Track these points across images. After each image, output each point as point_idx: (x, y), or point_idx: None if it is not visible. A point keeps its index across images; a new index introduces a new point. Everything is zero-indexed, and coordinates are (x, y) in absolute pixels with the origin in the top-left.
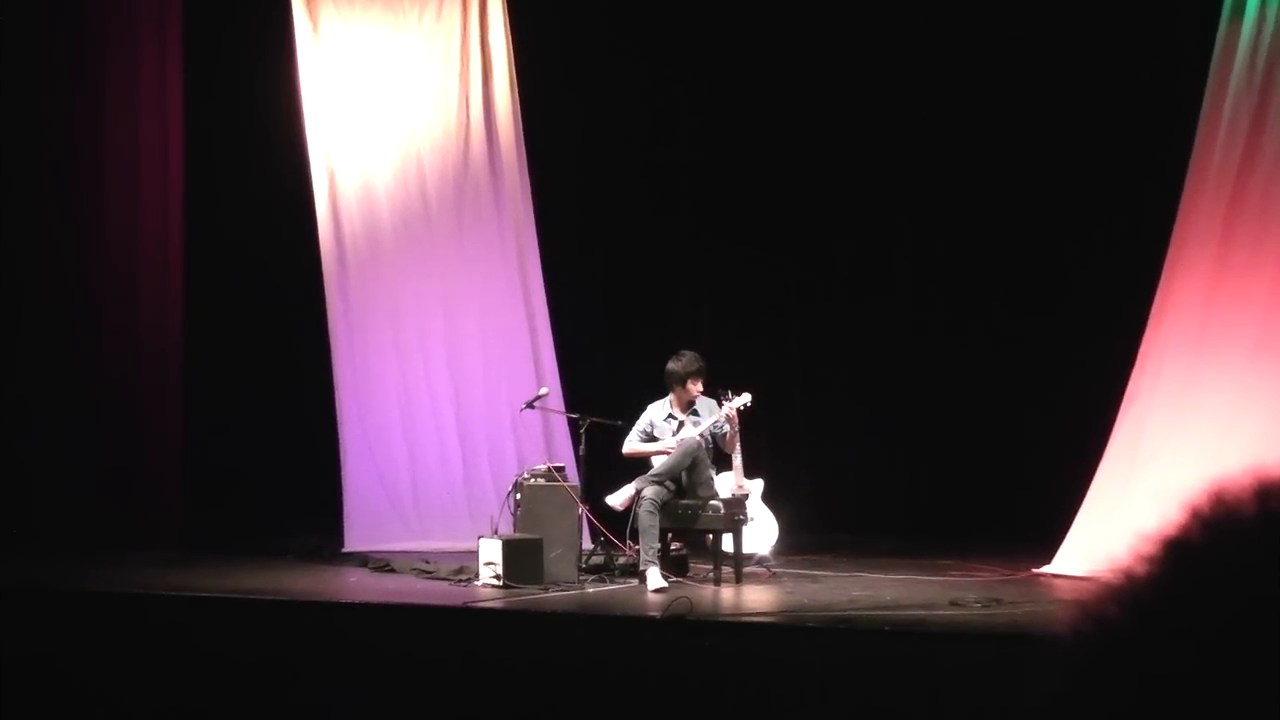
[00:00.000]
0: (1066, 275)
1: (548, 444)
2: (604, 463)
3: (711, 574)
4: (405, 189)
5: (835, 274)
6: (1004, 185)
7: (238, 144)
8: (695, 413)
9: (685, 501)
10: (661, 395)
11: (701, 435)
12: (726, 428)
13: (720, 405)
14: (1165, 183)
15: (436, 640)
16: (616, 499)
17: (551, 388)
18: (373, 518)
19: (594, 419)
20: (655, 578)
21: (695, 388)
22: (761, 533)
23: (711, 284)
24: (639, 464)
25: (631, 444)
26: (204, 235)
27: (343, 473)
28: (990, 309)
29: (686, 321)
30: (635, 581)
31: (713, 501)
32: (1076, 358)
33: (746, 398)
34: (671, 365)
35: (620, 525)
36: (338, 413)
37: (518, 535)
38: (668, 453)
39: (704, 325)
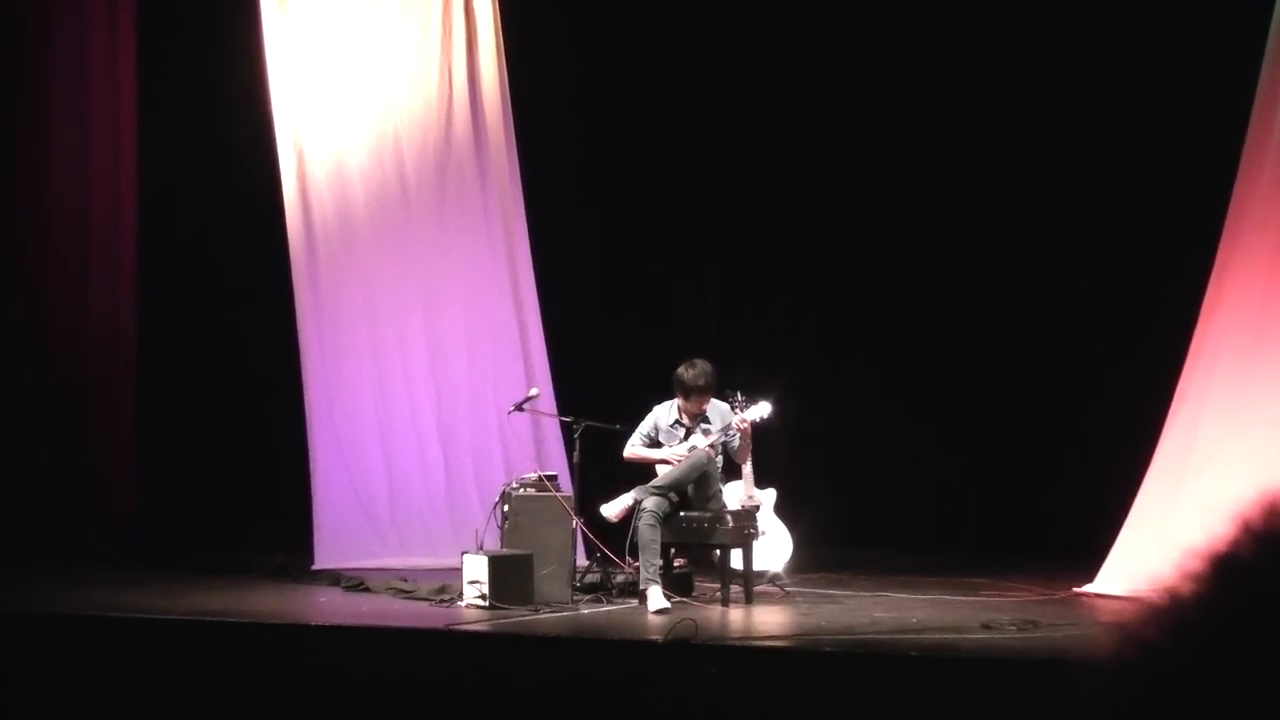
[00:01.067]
0: (1109, 267)
1: (538, 450)
2: (601, 471)
3: (719, 593)
4: (381, 169)
5: (857, 264)
6: (1043, 173)
7: (197, 122)
8: (706, 420)
9: (690, 514)
10: (668, 396)
11: (711, 446)
12: (738, 440)
13: (734, 412)
14: (1217, 165)
15: (416, 666)
16: (612, 510)
17: (542, 388)
18: (345, 532)
19: (590, 422)
20: (657, 597)
21: (701, 405)
22: (774, 548)
23: (720, 272)
24: (639, 471)
25: (634, 448)
26: (159, 221)
27: (312, 482)
28: (1026, 306)
29: (692, 314)
30: (635, 602)
31: (721, 514)
32: (1120, 356)
33: (765, 408)
34: (681, 373)
35: (618, 540)
36: (307, 415)
37: (505, 551)
38: (674, 461)
39: (712, 318)
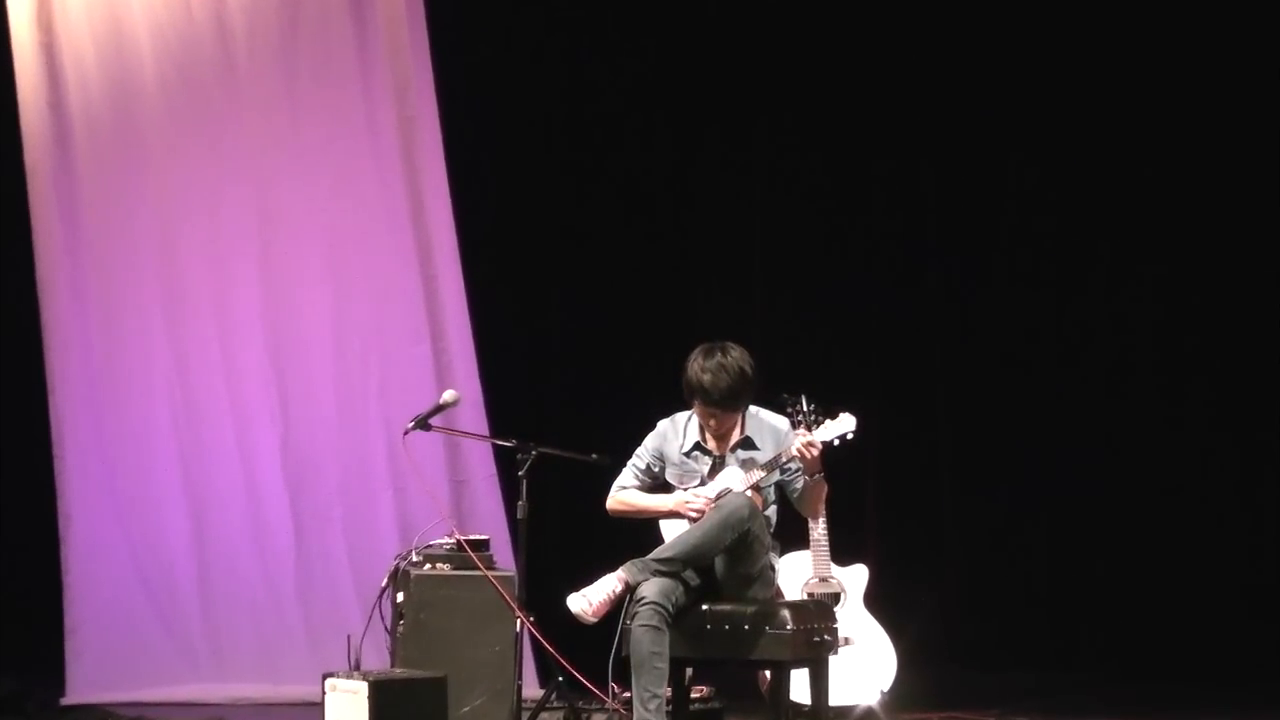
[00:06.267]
0: None
1: (457, 497)
2: (567, 534)
3: None
4: (189, 20)
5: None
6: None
7: None
8: (748, 443)
9: (719, 607)
10: (678, 405)
11: (756, 487)
12: (803, 478)
13: (795, 431)
14: None
15: None
16: (588, 601)
17: (465, 391)
18: (121, 645)
19: (547, 450)
20: None
21: (732, 420)
22: (868, 667)
23: (766, 216)
24: (632, 532)
25: (625, 493)
26: None
27: (63, 560)
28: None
29: (723, 277)
30: None
31: (772, 607)
32: None
33: (849, 424)
34: (695, 370)
35: (596, 652)
36: (54, 448)
37: (399, 672)
38: (691, 515)
39: (756, 281)
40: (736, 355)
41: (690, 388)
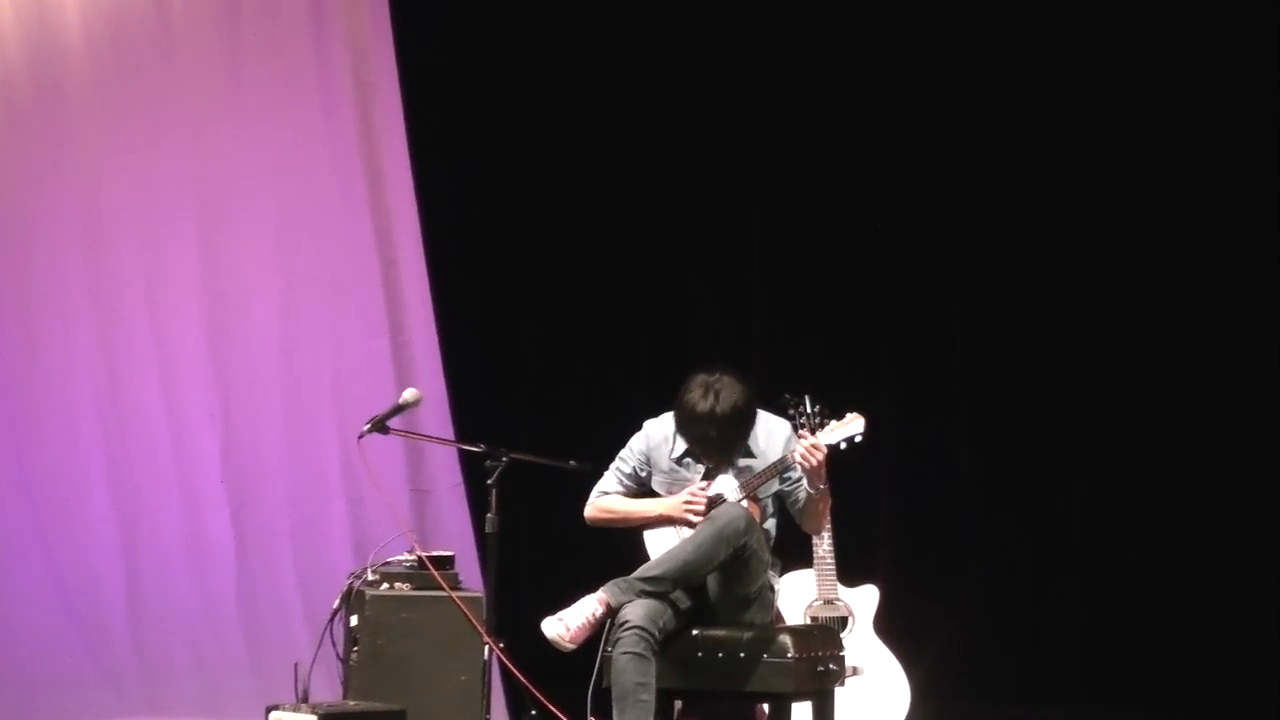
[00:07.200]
0: None
1: (418, 509)
2: (542, 549)
3: None
4: None
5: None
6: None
7: None
8: (744, 449)
9: (713, 632)
10: (667, 405)
11: (753, 496)
12: (804, 485)
13: (799, 434)
14: None
15: None
16: (565, 625)
17: (428, 390)
18: (39, 674)
19: (519, 456)
20: None
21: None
22: (878, 700)
23: (766, 195)
24: (615, 545)
25: (606, 499)
26: None
27: None
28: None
29: (718, 266)
30: None
31: (772, 632)
32: None
33: (857, 426)
34: (685, 400)
35: (576, 681)
36: None
37: (352, 705)
38: (679, 521)
39: (753, 268)
40: (731, 387)
41: (684, 417)
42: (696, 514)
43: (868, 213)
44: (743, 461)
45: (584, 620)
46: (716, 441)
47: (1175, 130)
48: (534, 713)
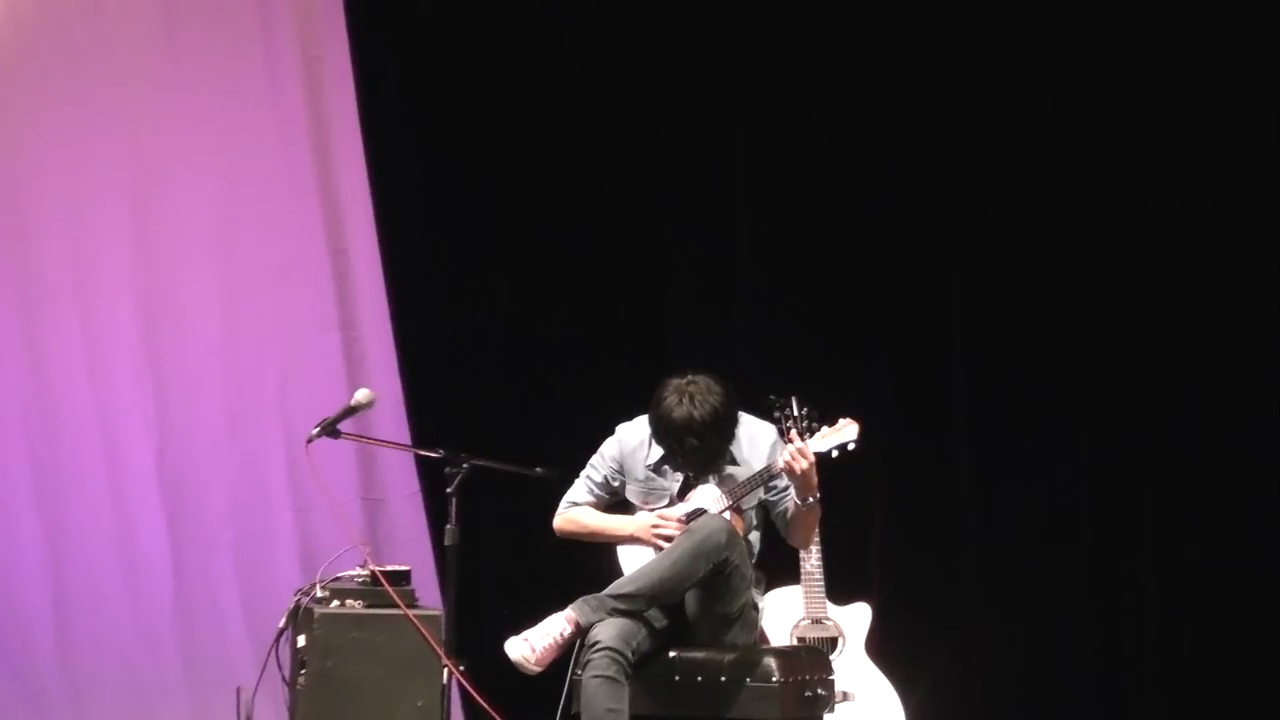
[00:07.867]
0: None
1: (371, 519)
2: (507, 564)
3: None
4: None
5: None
6: None
7: None
8: (727, 456)
9: (691, 656)
10: (641, 408)
11: (735, 508)
12: (792, 495)
13: (783, 439)
14: None
15: None
16: (530, 647)
17: (383, 391)
18: None
19: (482, 462)
20: None
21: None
22: None
23: (752, 178)
24: (586, 559)
25: (575, 511)
26: None
27: None
28: None
29: (699, 245)
30: None
31: (755, 655)
32: None
33: (850, 432)
34: (660, 408)
35: (542, 708)
36: None
37: None
38: (648, 544)
39: (737, 259)
40: (708, 391)
41: (661, 427)
42: (665, 540)
43: (859, 190)
44: (727, 470)
45: (551, 641)
46: (699, 451)
47: (1181, 132)
48: None
